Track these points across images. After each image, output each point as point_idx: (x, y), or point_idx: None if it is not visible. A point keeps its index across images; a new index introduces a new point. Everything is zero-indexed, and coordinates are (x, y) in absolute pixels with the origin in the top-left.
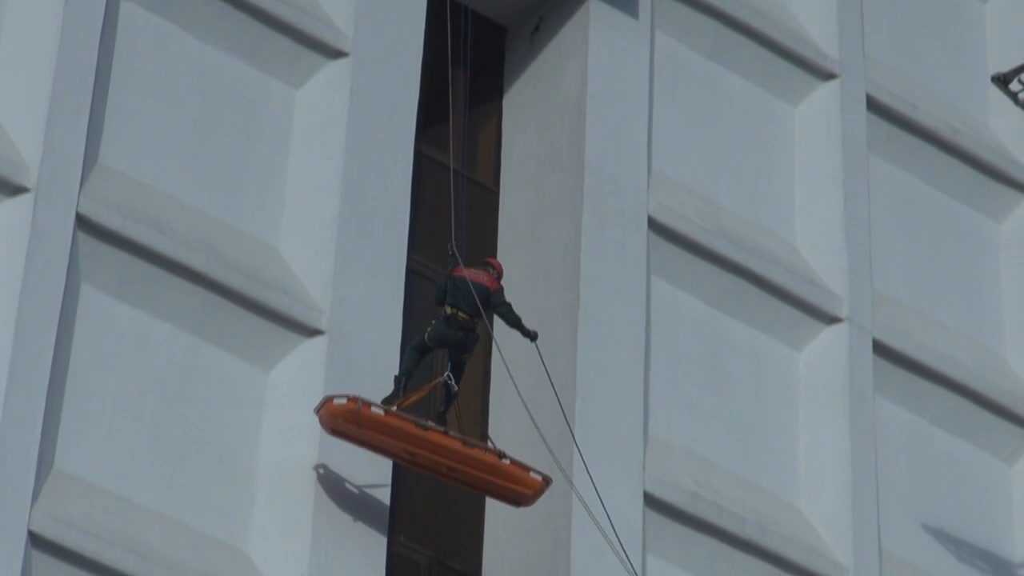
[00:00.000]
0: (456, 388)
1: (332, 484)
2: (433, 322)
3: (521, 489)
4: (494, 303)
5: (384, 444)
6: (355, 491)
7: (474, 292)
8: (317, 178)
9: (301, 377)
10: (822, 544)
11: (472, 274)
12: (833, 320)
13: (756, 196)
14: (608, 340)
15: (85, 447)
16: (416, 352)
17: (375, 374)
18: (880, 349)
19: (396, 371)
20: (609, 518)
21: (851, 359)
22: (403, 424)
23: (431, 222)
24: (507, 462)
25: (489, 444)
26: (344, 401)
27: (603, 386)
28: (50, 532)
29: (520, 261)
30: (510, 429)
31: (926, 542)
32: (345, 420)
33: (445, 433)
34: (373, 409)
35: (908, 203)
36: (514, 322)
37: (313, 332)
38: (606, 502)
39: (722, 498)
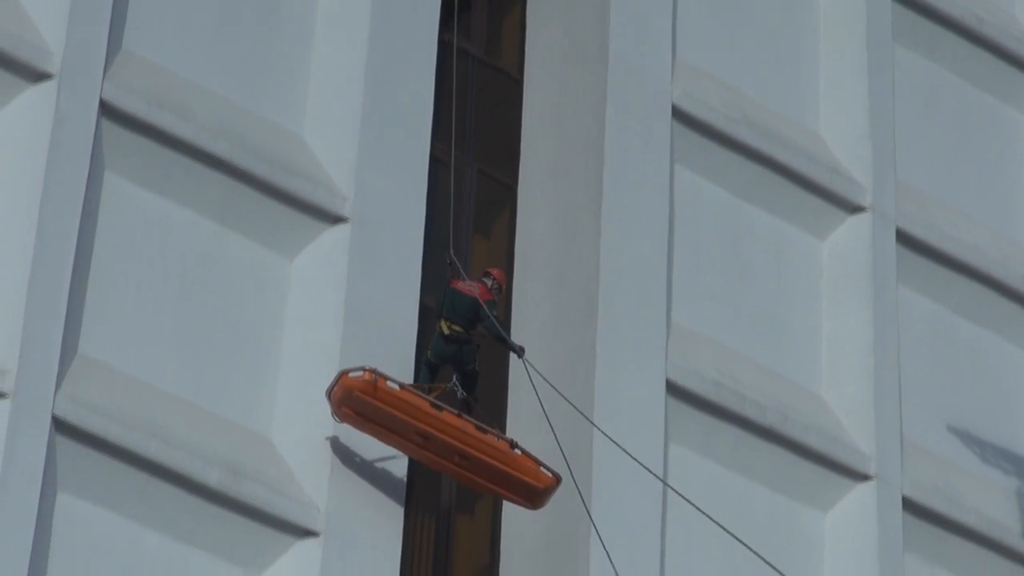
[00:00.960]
0: (463, 394)
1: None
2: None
3: (532, 482)
4: (480, 316)
5: (397, 425)
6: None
7: (467, 306)
8: (341, 66)
9: (324, 264)
10: (844, 433)
11: (465, 286)
12: (856, 209)
13: (780, 85)
14: (631, 229)
15: (109, 333)
16: (427, 368)
17: (398, 262)
18: (903, 238)
19: (419, 260)
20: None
21: (874, 248)
22: (418, 401)
23: (455, 111)
24: (519, 452)
25: (503, 434)
26: (360, 373)
27: (626, 275)
28: (73, 417)
29: (544, 152)
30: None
31: (948, 431)
32: (362, 393)
33: (459, 415)
34: (389, 383)
35: (932, 92)
36: (498, 337)
37: (336, 219)
38: (629, 391)
39: (744, 386)
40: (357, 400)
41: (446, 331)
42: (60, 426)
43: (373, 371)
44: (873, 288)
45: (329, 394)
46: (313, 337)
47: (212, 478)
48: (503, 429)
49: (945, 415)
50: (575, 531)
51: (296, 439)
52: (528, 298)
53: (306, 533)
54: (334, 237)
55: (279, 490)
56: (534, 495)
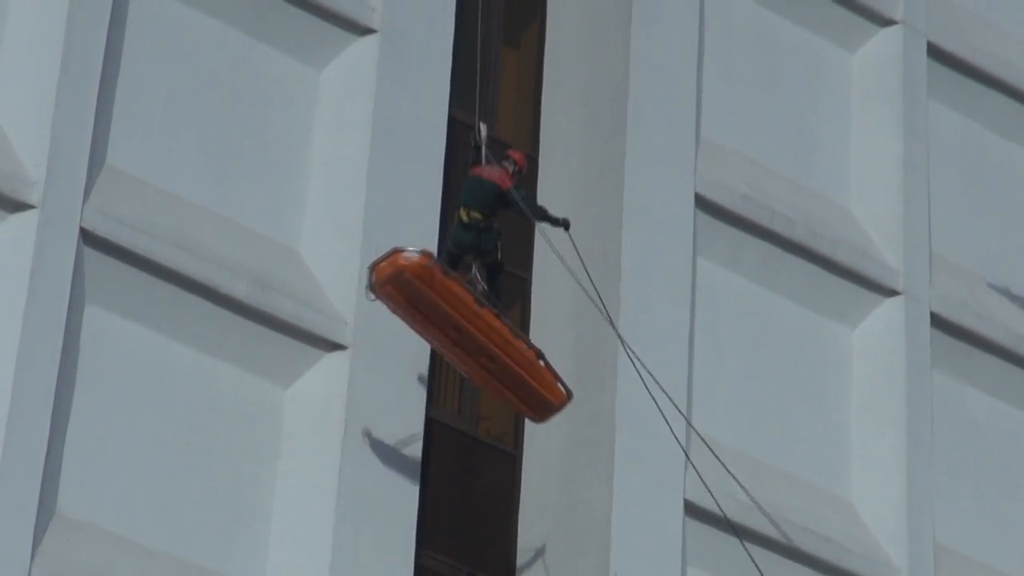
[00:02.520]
0: (484, 287)
1: (382, 178)
2: None
3: (548, 396)
4: (512, 202)
5: (436, 315)
6: (407, 187)
7: (489, 191)
8: None
9: (353, 75)
10: (872, 247)
11: (486, 171)
12: (888, 22)
13: None
14: (661, 39)
15: (137, 145)
16: (449, 257)
17: (426, 72)
18: (934, 52)
19: (448, 70)
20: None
21: (905, 61)
22: (464, 294)
23: None
24: (543, 364)
25: (531, 342)
26: (415, 255)
27: (655, 86)
28: (102, 229)
29: None
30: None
31: (976, 245)
32: (414, 277)
33: (498, 316)
34: (440, 271)
35: None
36: (540, 215)
37: (366, 31)
38: (657, 204)
39: (773, 200)
40: (406, 283)
41: (465, 218)
42: (88, 238)
43: (429, 255)
44: (903, 102)
45: (374, 267)
46: (341, 149)
47: (239, 290)
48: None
49: (974, 230)
50: (603, 345)
51: (324, 252)
52: (557, 110)
53: (334, 346)
54: (363, 48)
55: (307, 303)
56: (545, 409)
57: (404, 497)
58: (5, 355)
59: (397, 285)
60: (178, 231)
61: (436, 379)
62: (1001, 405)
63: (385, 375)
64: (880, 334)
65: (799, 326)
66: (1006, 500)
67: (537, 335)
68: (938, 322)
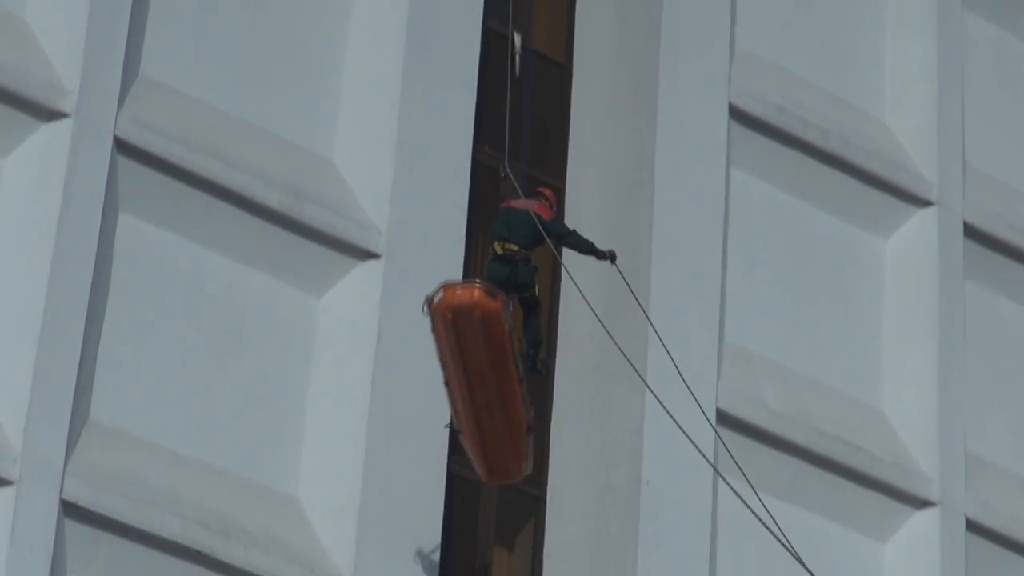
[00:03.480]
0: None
1: (416, 87)
2: None
3: (513, 467)
4: (557, 234)
5: (475, 356)
6: (440, 96)
7: (537, 222)
8: None
9: None
10: (906, 157)
11: (520, 203)
12: None
13: None
14: None
15: (171, 54)
16: None
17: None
18: None
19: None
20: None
21: None
22: (509, 352)
23: None
24: (529, 436)
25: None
26: (495, 302)
27: None
28: (136, 138)
29: None
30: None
31: (1011, 157)
32: (482, 315)
33: (521, 381)
34: (508, 326)
35: None
36: (587, 248)
37: None
38: (691, 115)
39: (807, 111)
40: (471, 319)
41: (499, 251)
42: (122, 147)
43: (507, 304)
44: (938, 10)
45: (446, 289)
46: (375, 57)
47: (273, 200)
48: None
49: (1009, 142)
50: (636, 256)
51: (358, 161)
52: (591, 21)
53: (367, 255)
54: None
55: (341, 212)
56: (500, 474)
57: (436, 404)
58: (40, 264)
59: (461, 316)
60: (212, 140)
61: None
62: None
63: (418, 284)
64: (913, 244)
65: (832, 236)
66: None
67: (569, 255)
68: (971, 232)
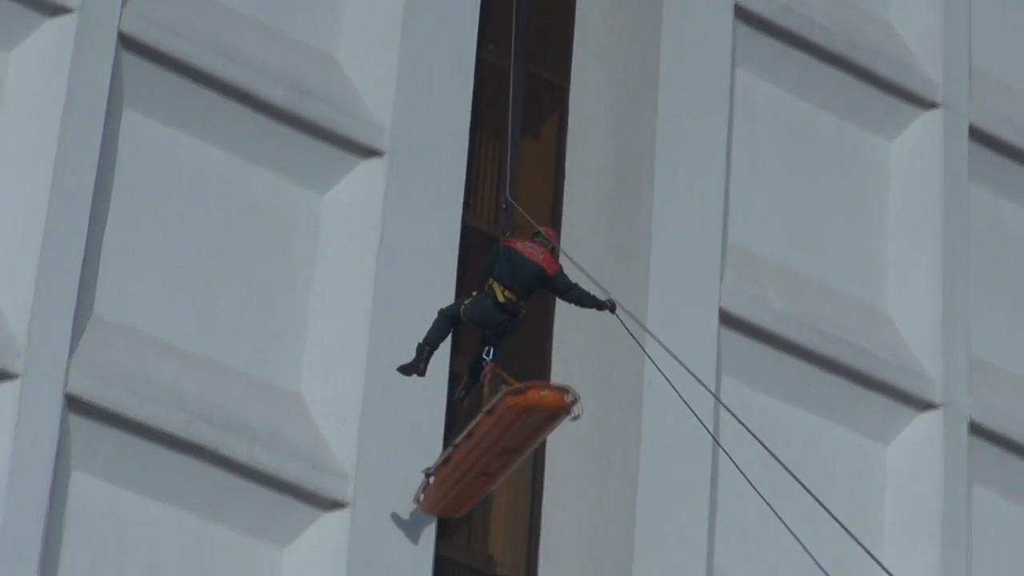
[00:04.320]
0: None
1: None
2: (474, 294)
3: (462, 505)
4: (559, 289)
5: (511, 440)
6: (444, 1)
7: (531, 274)
8: None
9: None
10: (912, 59)
11: (527, 250)
12: None
13: None
14: None
15: None
16: (448, 322)
17: None
18: None
19: None
20: None
21: None
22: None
23: None
24: (490, 486)
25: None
26: (577, 407)
27: None
28: (140, 33)
29: None
30: None
31: (1017, 59)
32: (548, 414)
33: (469, 436)
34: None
35: None
36: (588, 302)
37: None
38: (696, 13)
39: (813, 10)
40: (535, 414)
41: (501, 298)
42: (126, 42)
43: (576, 398)
44: None
45: (537, 387)
46: None
47: (277, 96)
48: None
49: (1015, 44)
50: (640, 156)
51: (362, 58)
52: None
53: (371, 152)
54: None
55: (344, 109)
56: (438, 510)
57: (439, 302)
58: (44, 159)
59: (530, 413)
60: (217, 36)
61: (472, 186)
62: None
63: (422, 181)
64: (918, 146)
65: (837, 137)
66: None
67: (574, 147)
68: (976, 135)
